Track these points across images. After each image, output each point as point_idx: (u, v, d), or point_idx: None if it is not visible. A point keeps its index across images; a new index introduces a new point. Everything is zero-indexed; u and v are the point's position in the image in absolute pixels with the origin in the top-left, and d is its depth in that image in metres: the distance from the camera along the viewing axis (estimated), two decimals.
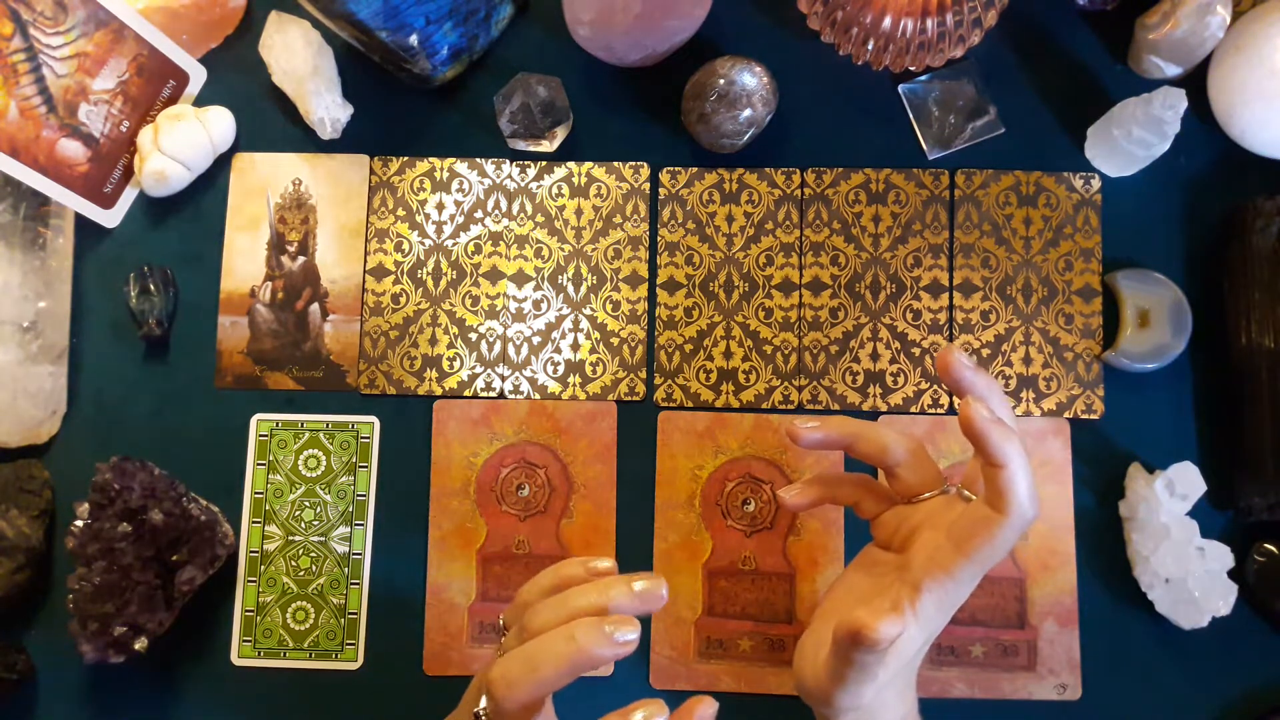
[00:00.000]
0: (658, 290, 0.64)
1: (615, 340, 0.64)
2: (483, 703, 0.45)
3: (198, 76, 0.67)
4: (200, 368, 0.64)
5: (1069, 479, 0.62)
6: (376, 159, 0.66)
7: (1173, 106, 0.59)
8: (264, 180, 0.66)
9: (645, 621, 0.61)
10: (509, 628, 0.48)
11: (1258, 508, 0.59)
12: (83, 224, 0.65)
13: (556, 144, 0.65)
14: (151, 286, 0.64)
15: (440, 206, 0.65)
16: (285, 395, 0.64)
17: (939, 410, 0.63)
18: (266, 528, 0.63)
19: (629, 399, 0.63)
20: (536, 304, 0.64)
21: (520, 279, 0.65)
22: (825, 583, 0.61)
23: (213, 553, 0.60)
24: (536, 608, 0.45)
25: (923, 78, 0.65)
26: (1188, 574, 0.58)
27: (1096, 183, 0.64)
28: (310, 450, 0.63)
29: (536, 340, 0.64)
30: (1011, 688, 0.60)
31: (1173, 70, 0.63)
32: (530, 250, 0.65)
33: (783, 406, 0.63)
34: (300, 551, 0.63)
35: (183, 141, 0.63)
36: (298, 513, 0.63)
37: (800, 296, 0.64)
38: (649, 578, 0.44)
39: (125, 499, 0.58)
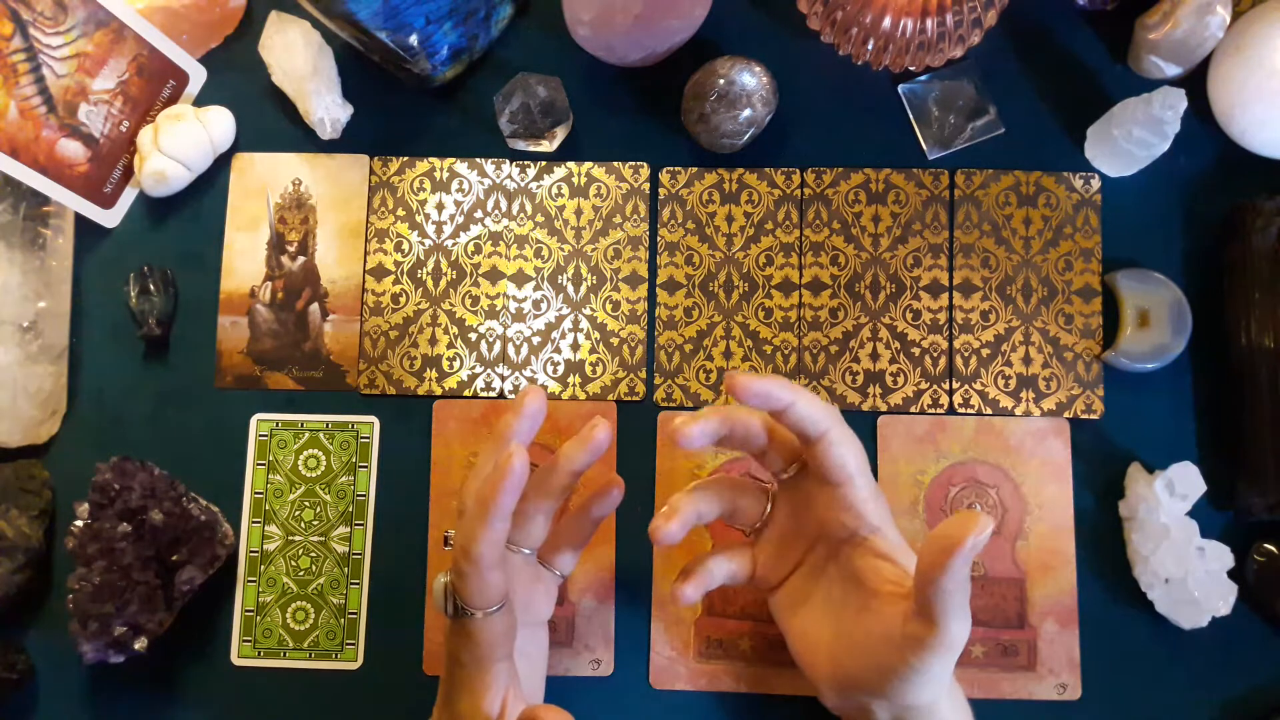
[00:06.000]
0: (657, 290, 0.64)
1: (615, 340, 0.64)
2: (444, 576, 0.49)
3: (198, 76, 0.67)
4: (200, 368, 0.64)
5: (1069, 479, 0.62)
6: (376, 159, 0.66)
7: (1173, 106, 0.59)
8: (264, 180, 0.66)
9: (644, 621, 0.61)
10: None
11: (1258, 508, 0.59)
12: (83, 224, 0.65)
13: (556, 144, 0.65)
14: (151, 286, 0.64)
15: (440, 206, 0.65)
16: (285, 395, 0.64)
17: (939, 410, 0.63)
18: (266, 528, 0.63)
19: (629, 399, 0.63)
20: (536, 304, 0.64)
21: (520, 279, 0.65)
22: None
23: (213, 553, 0.60)
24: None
25: (923, 78, 0.65)
26: (1188, 574, 0.58)
27: (1096, 183, 0.64)
28: (310, 450, 0.63)
29: (536, 340, 0.64)
30: (1011, 688, 0.60)
31: (1173, 70, 0.63)
32: (530, 250, 0.65)
33: None
34: (300, 551, 0.63)
35: (183, 141, 0.63)
36: (298, 513, 0.63)
37: (800, 296, 0.64)
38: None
39: (125, 499, 0.58)
